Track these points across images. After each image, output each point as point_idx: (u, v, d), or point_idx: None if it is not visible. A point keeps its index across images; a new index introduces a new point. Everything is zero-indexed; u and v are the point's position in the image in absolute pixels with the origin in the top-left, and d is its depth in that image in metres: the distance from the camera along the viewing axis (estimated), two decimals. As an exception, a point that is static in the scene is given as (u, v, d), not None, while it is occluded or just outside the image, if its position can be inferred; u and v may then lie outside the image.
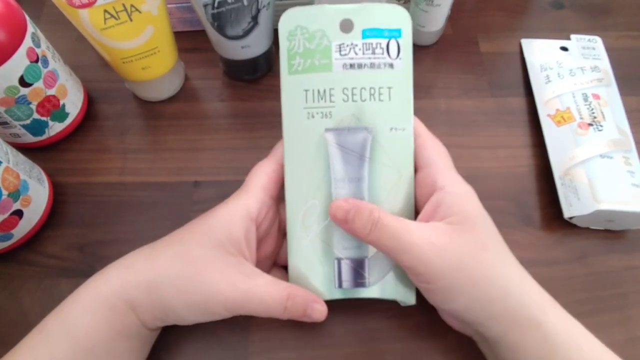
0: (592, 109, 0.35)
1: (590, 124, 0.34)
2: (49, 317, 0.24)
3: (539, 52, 0.40)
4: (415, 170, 0.27)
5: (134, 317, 0.24)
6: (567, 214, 0.32)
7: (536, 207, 0.34)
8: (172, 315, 0.24)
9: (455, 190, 0.25)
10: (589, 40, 0.40)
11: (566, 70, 0.38)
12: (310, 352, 0.28)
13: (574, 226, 0.33)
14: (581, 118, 0.34)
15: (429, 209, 0.25)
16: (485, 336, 0.24)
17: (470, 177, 0.35)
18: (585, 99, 0.35)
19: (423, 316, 0.29)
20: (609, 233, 0.33)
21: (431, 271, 0.23)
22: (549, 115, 0.36)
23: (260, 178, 0.27)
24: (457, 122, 0.38)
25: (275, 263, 0.29)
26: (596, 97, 0.35)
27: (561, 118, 0.35)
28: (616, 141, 0.33)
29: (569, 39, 0.41)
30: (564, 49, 0.40)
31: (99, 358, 0.23)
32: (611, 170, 0.32)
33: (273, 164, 0.27)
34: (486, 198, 0.34)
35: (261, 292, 0.24)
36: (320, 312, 0.26)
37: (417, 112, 0.38)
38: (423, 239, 0.23)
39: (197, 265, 0.24)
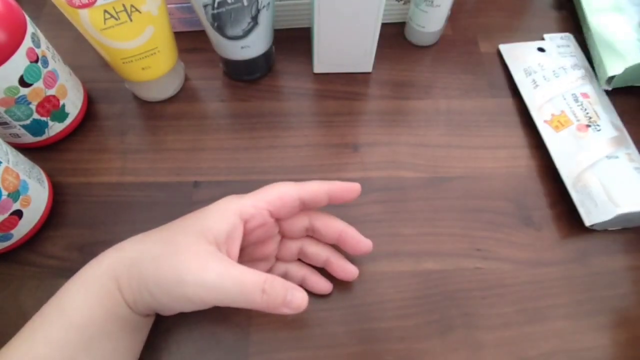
0: (586, 109, 0.35)
1: (588, 125, 0.34)
2: (47, 303, 0.24)
3: (520, 56, 0.40)
4: None
5: (120, 296, 0.24)
6: (587, 222, 0.31)
7: (536, 208, 0.34)
8: (146, 294, 0.24)
9: None
10: (561, 38, 0.40)
11: (549, 72, 0.38)
12: (310, 352, 0.28)
13: (574, 226, 0.33)
14: (578, 120, 0.34)
15: None
16: None
17: (470, 177, 0.35)
18: (576, 99, 0.35)
19: (423, 316, 0.29)
20: (609, 233, 0.33)
21: None
22: (545, 122, 0.36)
23: (271, 192, 0.27)
24: (457, 122, 0.38)
25: (280, 258, 0.30)
26: (585, 96, 0.36)
27: (558, 123, 0.35)
28: (616, 139, 0.33)
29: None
30: (541, 49, 0.40)
31: (92, 338, 0.23)
32: (620, 171, 0.32)
33: (293, 190, 0.27)
34: (486, 198, 0.34)
35: (236, 275, 0.23)
36: (301, 298, 0.24)
37: (417, 112, 0.38)
38: None
39: (176, 247, 0.24)
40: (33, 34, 0.31)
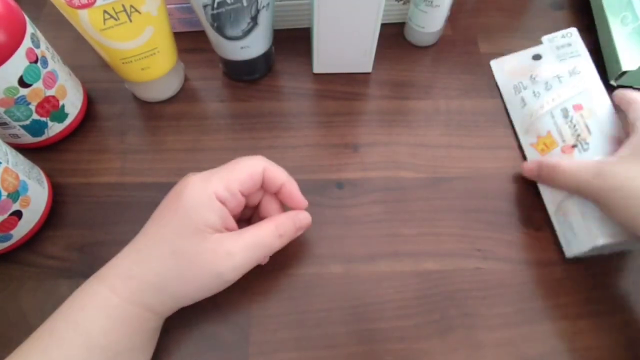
0: (575, 126, 0.32)
1: (574, 146, 0.32)
2: (55, 320, 0.24)
3: (511, 71, 0.37)
4: None
5: (151, 314, 0.25)
6: (567, 253, 0.31)
7: (536, 208, 0.34)
8: (186, 300, 0.26)
9: None
10: (562, 36, 0.36)
11: (541, 85, 0.35)
12: (310, 352, 0.28)
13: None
14: (564, 141, 0.32)
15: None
16: None
17: (469, 177, 0.35)
18: (566, 115, 0.32)
19: (423, 316, 0.29)
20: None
21: (593, 194, 0.27)
22: (532, 145, 0.34)
23: (242, 172, 0.27)
24: (457, 122, 0.38)
25: (257, 214, 0.31)
26: (578, 108, 0.32)
27: (544, 145, 0.33)
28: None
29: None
30: (537, 57, 0.36)
31: (117, 354, 0.24)
32: None
33: (259, 165, 0.27)
34: (486, 198, 0.34)
35: (255, 238, 0.26)
36: (306, 217, 0.29)
37: (417, 112, 0.38)
38: (585, 166, 0.28)
39: (189, 257, 0.25)
40: (33, 34, 0.31)
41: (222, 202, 0.26)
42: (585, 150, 0.31)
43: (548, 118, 0.34)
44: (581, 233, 0.30)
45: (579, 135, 0.32)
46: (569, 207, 0.31)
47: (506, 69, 0.38)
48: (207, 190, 0.25)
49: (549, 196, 0.33)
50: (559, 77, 0.34)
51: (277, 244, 0.27)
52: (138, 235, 0.26)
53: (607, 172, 0.27)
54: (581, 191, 0.29)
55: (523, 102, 0.36)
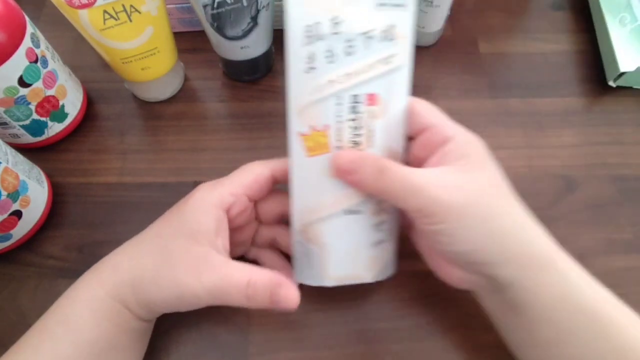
0: (357, 128, 0.24)
1: None
2: (47, 316, 0.24)
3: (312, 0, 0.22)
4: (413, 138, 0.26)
5: (128, 313, 0.24)
6: (298, 278, 0.27)
7: (536, 208, 0.34)
8: (157, 308, 0.25)
9: (463, 138, 0.25)
10: None
11: (342, 42, 0.22)
12: (310, 352, 0.28)
13: (574, 226, 0.33)
14: (338, 147, 0.24)
15: (437, 157, 0.24)
16: (497, 280, 0.23)
17: (470, 177, 0.35)
18: (354, 108, 0.23)
19: (423, 316, 0.29)
20: (609, 233, 0.33)
21: (441, 208, 0.22)
22: (301, 135, 0.24)
23: (246, 176, 0.27)
24: (457, 122, 0.37)
25: (254, 243, 0.30)
26: (371, 99, 0.23)
27: (315, 143, 0.24)
28: None
29: (566, 40, 0.41)
30: None
31: (102, 351, 0.23)
32: (352, 233, 0.25)
33: (266, 169, 0.27)
34: (486, 198, 0.34)
35: (224, 285, 0.23)
36: (286, 297, 0.23)
37: (417, 112, 0.38)
38: (432, 178, 0.23)
39: (170, 260, 0.24)
40: (32, 34, 0.31)
41: (228, 208, 0.26)
42: None
43: (332, 104, 0.23)
44: (316, 267, 0.26)
45: (357, 143, 0.24)
46: (317, 233, 0.25)
47: None
48: (211, 196, 0.25)
49: (301, 211, 0.26)
50: (368, 36, 0.23)
51: (244, 303, 0.23)
52: (144, 231, 0.26)
53: (464, 185, 0.23)
54: (419, 206, 0.23)
55: (311, 63, 0.23)
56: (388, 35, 0.23)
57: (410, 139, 0.26)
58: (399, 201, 0.23)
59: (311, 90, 0.23)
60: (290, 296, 0.23)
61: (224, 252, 0.25)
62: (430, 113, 0.25)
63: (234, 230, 0.27)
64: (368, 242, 0.26)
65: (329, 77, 0.23)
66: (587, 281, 0.23)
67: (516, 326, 0.24)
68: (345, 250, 0.26)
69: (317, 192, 0.25)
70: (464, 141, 0.24)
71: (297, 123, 0.24)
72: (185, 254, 0.24)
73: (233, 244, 0.27)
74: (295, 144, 0.24)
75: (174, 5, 0.39)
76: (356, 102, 0.23)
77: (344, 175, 0.24)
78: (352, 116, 0.23)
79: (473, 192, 0.23)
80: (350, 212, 0.25)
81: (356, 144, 0.24)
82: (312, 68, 0.23)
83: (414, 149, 0.26)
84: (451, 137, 0.24)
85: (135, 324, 0.25)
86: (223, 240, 0.25)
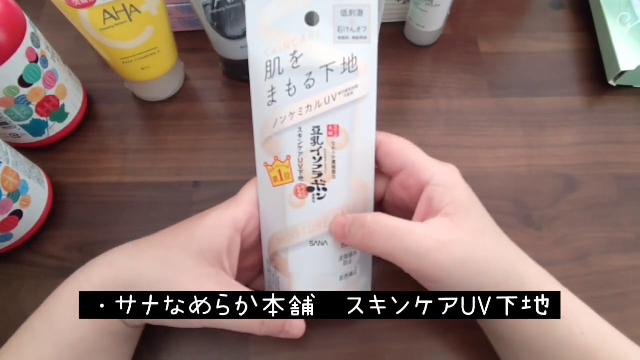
0: (320, 159, 0.24)
1: (309, 189, 0.24)
2: (34, 315, 0.24)
3: (270, 28, 0.23)
4: (392, 176, 0.26)
5: None
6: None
7: (536, 207, 0.34)
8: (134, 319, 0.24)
9: (442, 181, 0.24)
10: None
11: (302, 75, 0.23)
12: (310, 352, 0.28)
13: (574, 226, 0.33)
14: (301, 178, 0.24)
15: (422, 207, 0.24)
16: (494, 327, 0.25)
17: (470, 177, 0.35)
18: (315, 138, 0.24)
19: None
20: (609, 232, 0.33)
21: (440, 270, 0.22)
22: (266, 165, 0.25)
23: (254, 192, 0.26)
24: (457, 122, 0.38)
25: (262, 271, 0.29)
26: (333, 131, 0.24)
27: (279, 174, 0.24)
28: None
29: (566, 39, 0.40)
30: (312, 19, 0.23)
31: (86, 354, 0.23)
32: (318, 264, 0.25)
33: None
34: (486, 198, 0.34)
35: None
36: (299, 328, 0.25)
37: (417, 112, 0.38)
38: (425, 236, 0.23)
39: (175, 272, 0.23)
40: (33, 34, 0.31)
41: (243, 228, 0.25)
42: (319, 198, 0.24)
43: (294, 135, 0.24)
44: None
45: (319, 175, 0.24)
46: (285, 263, 0.25)
47: (264, 22, 0.23)
48: (225, 216, 0.25)
49: (270, 239, 0.26)
50: (329, 69, 0.23)
51: (255, 328, 0.24)
52: (144, 238, 0.26)
53: (458, 241, 0.23)
54: (412, 265, 0.23)
55: (272, 94, 0.24)
56: (349, 67, 0.23)
57: (389, 177, 0.26)
58: (395, 259, 0.23)
59: (274, 122, 0.24)
60: (302, 326, 0.25)
61: (231, 274, 0.25)
62: (404, 151, 0.25)
63: (244, 251, 0.27)
64: (336, 273, 0.26)
65: (290, 110, 0.24)
66: (575, 315, 0.24)
67: (503, 351, 0.26)
68: (312, 283, 0.26)
69: (283, 221, 0.25)
70: (444, 184, 0.24)
71: (262, 154, 0.25)
72: (192, 270, 0.23)
73: (242, 267, 0.27)
74: (262, 174, 0.25)
75: (174, 5, 0.39)
76: (318, 134, 0.24)
77: (341, 240, 0.25)
78: (314, 147, 0.24)
79: (468, 247, 0.23)
80: (315, 243, 0.25)
81: (319, 176, 0.24)
82: (274, 101, 0.24)
83: (394, 188, 0.26)
84: (428, 180, 0.24)
85: (119, 327, 0.24)
86: (232, 263, 0.25)
